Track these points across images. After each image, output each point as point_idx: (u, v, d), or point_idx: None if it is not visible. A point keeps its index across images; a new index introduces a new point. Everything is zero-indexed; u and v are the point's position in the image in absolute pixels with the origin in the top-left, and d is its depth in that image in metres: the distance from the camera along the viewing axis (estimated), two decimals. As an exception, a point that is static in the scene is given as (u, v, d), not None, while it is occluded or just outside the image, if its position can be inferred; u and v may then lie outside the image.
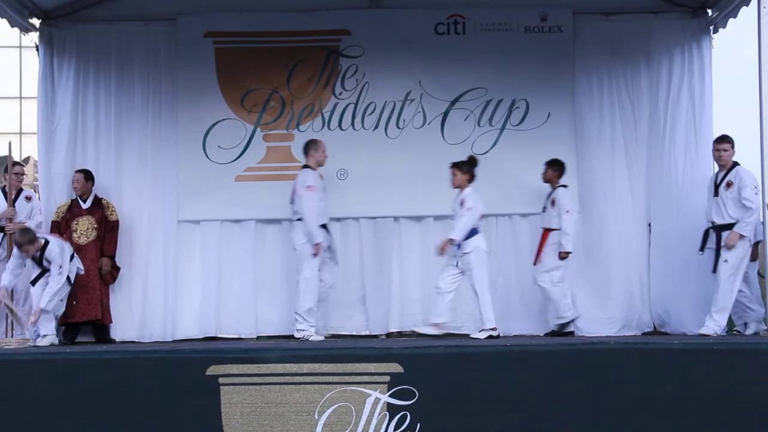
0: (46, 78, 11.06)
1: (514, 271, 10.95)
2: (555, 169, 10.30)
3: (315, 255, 9.85)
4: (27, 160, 29.84)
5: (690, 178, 10.63)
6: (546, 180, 10.36)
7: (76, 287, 9.93)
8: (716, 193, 9.51)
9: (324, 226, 10.04)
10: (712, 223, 9.54)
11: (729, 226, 9.33)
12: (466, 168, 9.86)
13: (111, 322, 10.57)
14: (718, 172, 9.68)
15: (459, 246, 9.61)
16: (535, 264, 10.37)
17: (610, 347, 7.13)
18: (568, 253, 10.09)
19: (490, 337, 9.38)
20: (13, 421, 6.99)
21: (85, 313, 10.31)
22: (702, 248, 9.64)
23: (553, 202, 10.26)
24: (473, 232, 9.64)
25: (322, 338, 10.04)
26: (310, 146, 10.15)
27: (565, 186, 10.28)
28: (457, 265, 9.68)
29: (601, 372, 6.89)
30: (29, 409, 7.00)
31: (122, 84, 11.06)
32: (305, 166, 10.09)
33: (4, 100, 26.89)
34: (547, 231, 10.25)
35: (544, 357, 7.01)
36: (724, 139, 9.64)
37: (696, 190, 10.35)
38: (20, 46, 27.43)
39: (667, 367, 6.89)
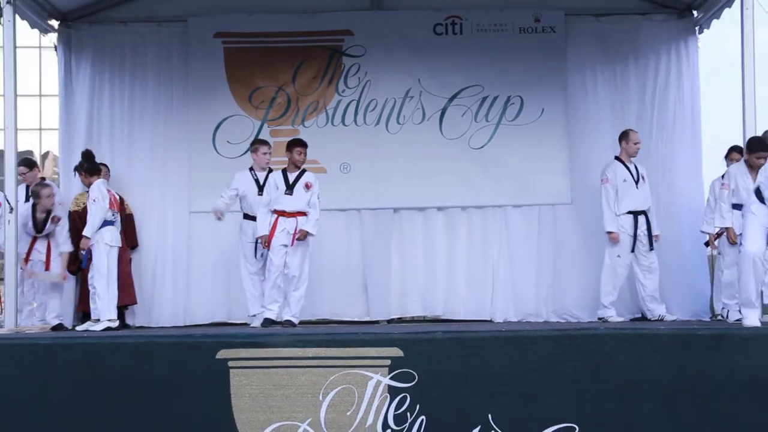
0: (65, 77, 11.07)
1: (507, 260, 10.94)
2: None
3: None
4: (47, 154, 29.86)
5: (677, 172, 10.61)
6: None
7: None
8: None
9: None
10: None
11: None
12: (80, 168, 9.53)
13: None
14: None
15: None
16: None
17: (601, 333, 7.12)
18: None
19: (108, 328, 9.04)
20: (34, 403, 6.99)
21: (120, 299, 10.35)
22: None
23: None
24: (104, 224, 9.34)
25: None
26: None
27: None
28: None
29: (592, 356, 6.88)
30: (49, 392, 7.01)
31: (136, 82, 11.05)
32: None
33: (25, 98, 26.95)
34: None
35: (537, 342, 7.00)
36: None
37: (683, 184, 10.36)
38: (40, 47, 27.49)
39: (654, 352, 6.89)
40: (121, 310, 10.50)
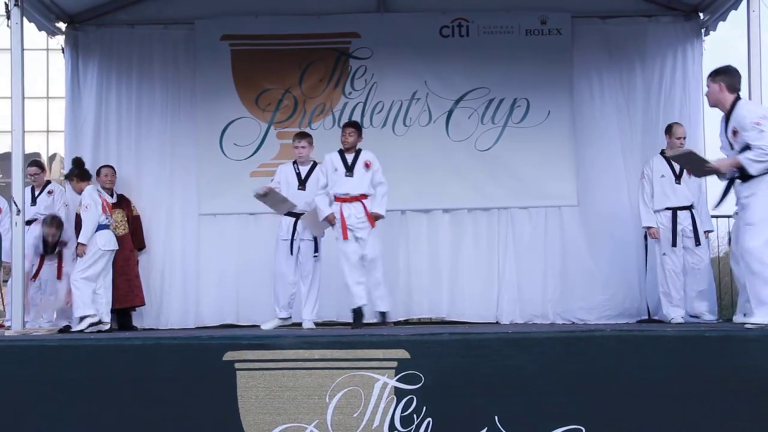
0: (72, 79, 11.11)
1: (514, 262, 10.94)
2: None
3: None
4: (54, 156, 29.88)
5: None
6: None
7: (116, 275, 10.00)
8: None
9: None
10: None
11: None
12: (71, 175, 9.58)
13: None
14: None
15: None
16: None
17: (607, 334, 7.08)
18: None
19: (91, 324, 9.10)
20: (41, 404, 6.98)
21: (128, 300, 10.41)
22: None
23: None
24: (97, 228, 9.39)
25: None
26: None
27: None
28: None
29: (598, 358, 6.85)
30: (55, 393, 7.00)
31: (143, 84, 11.10)
32: None
33: (32, 100, 26.99)
34: None
35: (543, 343, 6.97)
36: None
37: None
38: (47, 49, 27.51)
39: (661, 353, 6.86)
40: (128, 311, 10.55)
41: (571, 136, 10.94)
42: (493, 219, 11.01)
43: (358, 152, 9.39)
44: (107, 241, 9.37)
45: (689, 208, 9.75)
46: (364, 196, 9.24)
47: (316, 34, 11.05)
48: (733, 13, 9.99)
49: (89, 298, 9.26)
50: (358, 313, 9.19)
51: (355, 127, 9.54)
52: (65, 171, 10.36)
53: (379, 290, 9.30)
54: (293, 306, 9.64)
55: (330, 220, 9.21)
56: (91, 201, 9.28)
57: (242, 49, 11.08)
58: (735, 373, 6.80)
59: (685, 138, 9.89)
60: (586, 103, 11.04)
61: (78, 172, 9.49)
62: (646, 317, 10.49)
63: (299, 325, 9.54)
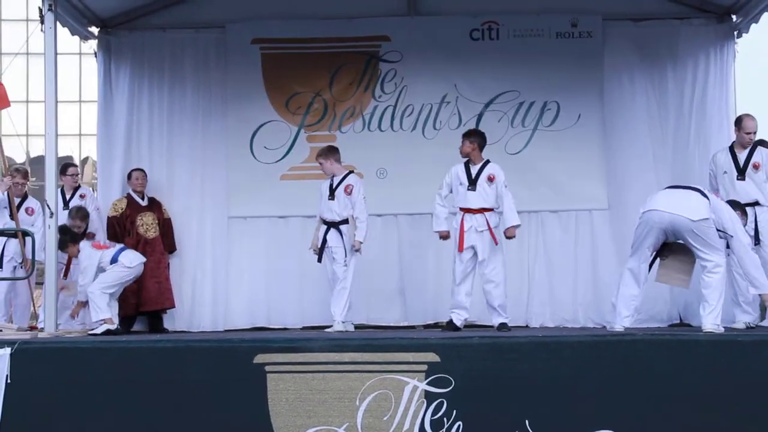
0: (104, 83, 11.17)
1: (544, 266, 10.89)
2: None
3: None
4: (86, 160, 30.10)
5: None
6: None
7: (147, 278, 10.03)
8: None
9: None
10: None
11: None
12: (64, 245, 9.40)
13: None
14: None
15: None
16: None
17: (639, 339, 7.05)
18: None
19: (108, 331, 9.04)
20: (74, 405, 7.03)
21: (159, 302, 10.47)
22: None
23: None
24: (121, 250, 9.47)
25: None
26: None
27: None
28: None
29: (630, 362, 6.82)
30: (88, 394, 7.05)
31: (174, 88, 11.13)
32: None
33: (65, 104, 27.18)
34: None
35: (574, 348, 6.94)
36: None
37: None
38: (80, 53, 27.67)
39: (693, 358, 6.82)
40: (159, 314, 10.59)
41: (602, 139, 10.88)
42: (523, 222, 10.85)
43: (485, 164, 9.31)
44: (132, 259, 9.44)
45: (753, 205, 9.18)
46: (486, 209, 9.18)
47: (346, 38, 11.05)
48: (766, 15, 9.92)
49: (105, 303, 9.29)
50: (450, 323, 9.28)
51: (468, 136, 9.38)
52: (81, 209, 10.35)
53: (495, 310, 9.29)
54: (351, 308, 9.66)
55: (442, 236, 9.34)
56: (88, 262, 9.34)
57: (272, 52, 11.10)
58: (768, 378, 6.75)
59: (755, 133, 9.31)
60: (617, 106, 10.96)
61: (69, 238, 9.43)
62: (678, 321, 10.40)
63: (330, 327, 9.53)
